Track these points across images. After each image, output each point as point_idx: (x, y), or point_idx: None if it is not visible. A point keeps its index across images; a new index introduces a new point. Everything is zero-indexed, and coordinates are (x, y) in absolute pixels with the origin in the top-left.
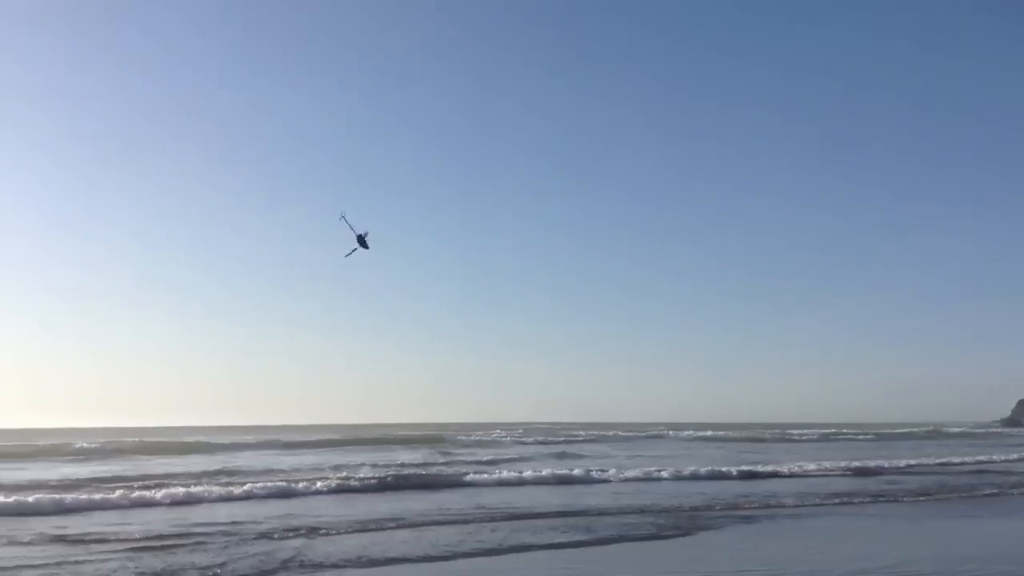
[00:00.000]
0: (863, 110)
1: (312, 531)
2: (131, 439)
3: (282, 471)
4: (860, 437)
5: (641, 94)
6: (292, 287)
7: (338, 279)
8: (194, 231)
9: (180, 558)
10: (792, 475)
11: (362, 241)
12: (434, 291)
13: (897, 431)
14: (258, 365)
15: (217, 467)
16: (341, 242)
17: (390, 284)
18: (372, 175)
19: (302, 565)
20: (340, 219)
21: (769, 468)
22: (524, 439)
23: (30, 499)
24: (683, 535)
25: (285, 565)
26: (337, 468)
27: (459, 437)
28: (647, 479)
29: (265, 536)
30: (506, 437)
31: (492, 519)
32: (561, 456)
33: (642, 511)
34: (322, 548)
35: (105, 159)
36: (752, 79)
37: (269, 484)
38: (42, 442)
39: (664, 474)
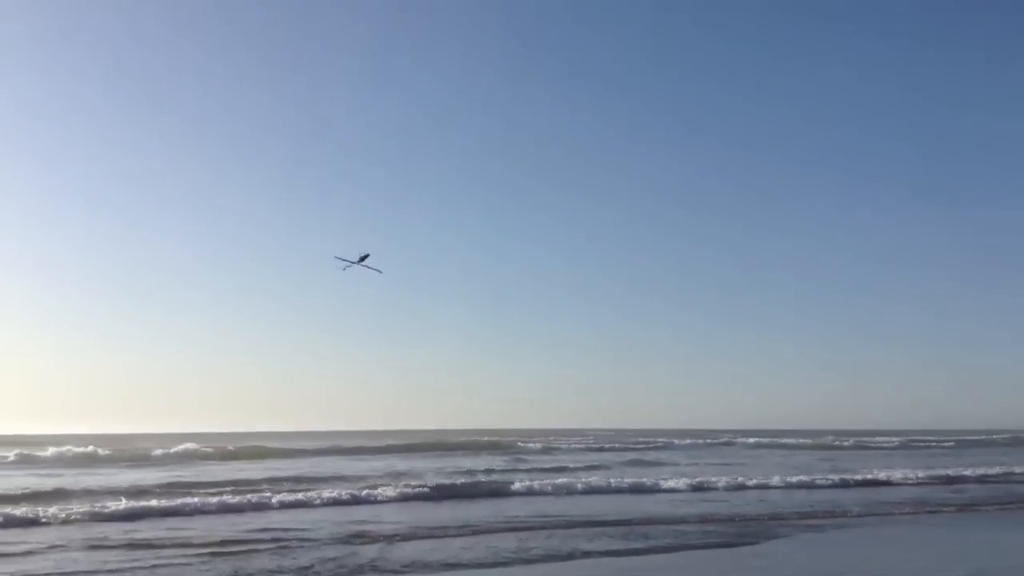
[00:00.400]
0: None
1: (389, 537)
2: (201, 445)
3: (351, 478)
4: (936, 444)
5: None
6: (339, 294)
7: (391, 285)
8: (228, 237)
9: (260, 562)
10: (865, 483)
11: (363, 259)
12: (495, 297)
13: (976, 438)
14: (306, 371)
15: (287, 473)
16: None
17: (447, 289)
18: (382, 179)
19: (381, 570)
20: (345, 267)
21: (843, 477)
22: (592, 446)
23: (107, 505)
24: (749, 543)
25: (363, 569)
26: (405, 474)
27: (529, 444)
28: (713, 488)
29: (342, 541)
30: (577, 444)
31: (555, 526)
32: (634, 463)
33: (707, 520)
34: (397, 554)
35: (101, 163)
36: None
37: (342, 491)
38: (106, 449)
39: (731, 482)
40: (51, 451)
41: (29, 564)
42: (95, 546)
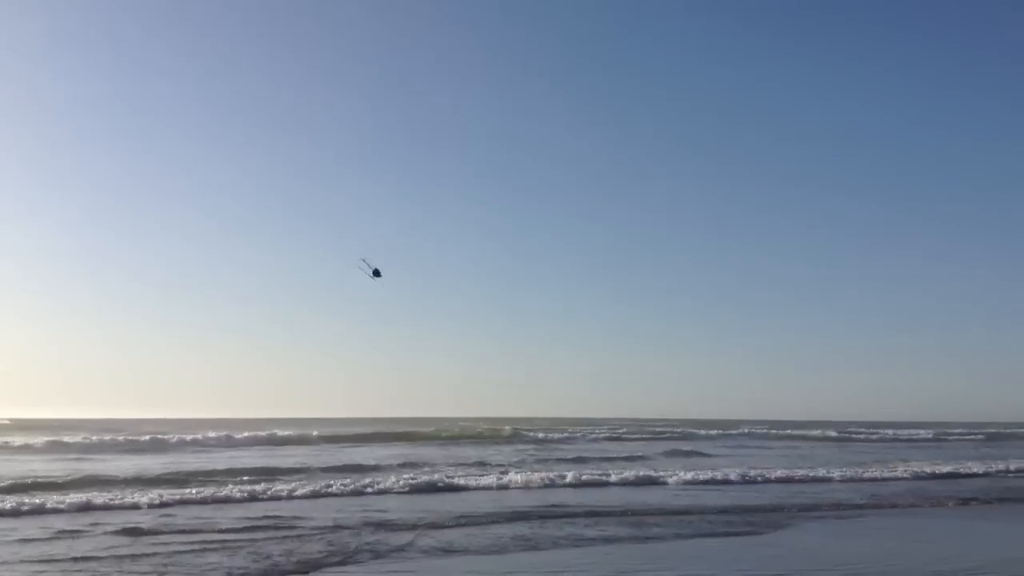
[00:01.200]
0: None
1: (399, 526)
2: (213, 432)
3: (363, 467)
4: (968, 437)
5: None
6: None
7: (405, 274)
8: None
9: (272, 548)
10: (883, 478)
11: (376, 273)
12: (512, 285)
13: (1007, 431)
14: (319, 359)
15: (298, 461)
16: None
17: (461, 278)
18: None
19: (386, 557)
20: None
21: (860, 470)
22: (622, 436)
23: (120, 492)
24: (757, 533)
25: (368, 556)
26: (420, 464)
27: (551, 435)
28: (728, 481)
29: (353, 528)
30: (598, 433)
31: (569, 516)
32: (672, 454)
33: (718, 511)
34: (407, 541)
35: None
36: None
37: (354, 480)
38: (119, 435)
39: (743, 474)
40: (65, 437)
41: (51, 548)
42: (107, 532)
